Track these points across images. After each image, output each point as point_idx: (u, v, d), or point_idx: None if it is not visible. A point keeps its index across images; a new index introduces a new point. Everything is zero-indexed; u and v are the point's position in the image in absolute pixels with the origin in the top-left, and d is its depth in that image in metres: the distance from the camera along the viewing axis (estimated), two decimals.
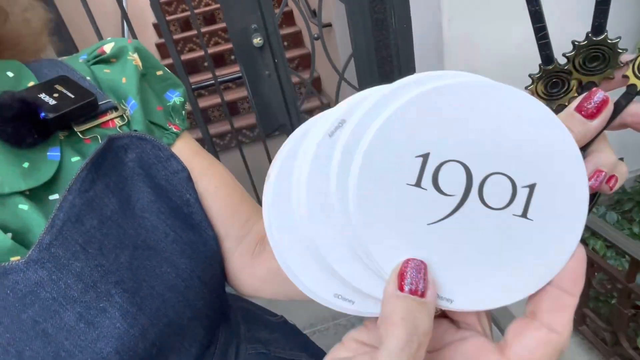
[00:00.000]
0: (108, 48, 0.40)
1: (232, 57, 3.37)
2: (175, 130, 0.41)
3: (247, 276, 0.43)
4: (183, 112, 0.43)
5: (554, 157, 0.18)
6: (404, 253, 0.18)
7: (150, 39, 3.40)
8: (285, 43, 3.38)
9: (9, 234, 0.29)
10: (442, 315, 0.22)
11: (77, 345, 0.30)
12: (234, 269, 0.43)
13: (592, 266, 1.01)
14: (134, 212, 0.35)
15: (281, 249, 0.21)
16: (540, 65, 0.22)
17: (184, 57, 3.24)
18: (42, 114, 0.32)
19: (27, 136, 0.31)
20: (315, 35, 1.32)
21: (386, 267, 0.19)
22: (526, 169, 0.18)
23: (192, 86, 1.43)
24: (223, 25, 3.46)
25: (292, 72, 1.37)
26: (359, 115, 0.18)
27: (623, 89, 0.22)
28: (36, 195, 0.32)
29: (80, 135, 0.35)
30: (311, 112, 3.10)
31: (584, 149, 0.21)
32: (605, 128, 0.21)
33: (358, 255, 0.19)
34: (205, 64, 3.35)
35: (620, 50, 0.21)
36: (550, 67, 0.22)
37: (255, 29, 1.29)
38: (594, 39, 0.21)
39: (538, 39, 0.22)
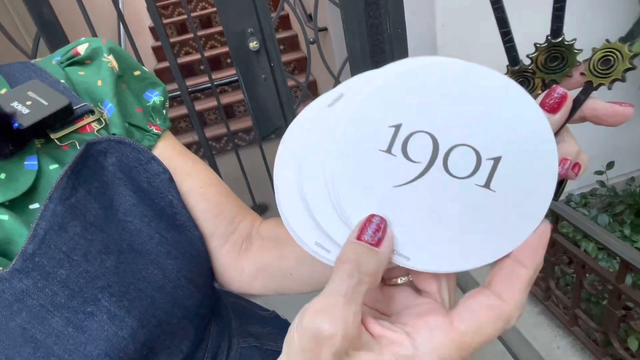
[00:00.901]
0: (82, 49, 0.39)
1: (228, 60, 3.38)
2: (156, 131, 0.41)
3: (235, 273, 0.44)
4: (164, 111, 0.43)
5: (525, 134, 0.19)
6: (370, 209, 0.21)
7: (146, 42, 3.40)
8: (282, 47, 3.40)
9: None
10: (408, 284, 0.24)
11: (67, 349, 0.30)
12: (221, 267, 0.43)
13: (584, 267, 1.02)
14: (117, 217, 0.35)
15: (280, 197, 0.23)
16: (507, 66, 0.24)
17: (180, 60, 3.25)
18: (16, 125, 0.31)
19: (2, 148, 0.31)
20: (311, 40, 1.34)
21: (353, 219, 0.21)
22: (493, 142, 0.20)
23: (189, 89, 1.44)
24: (219, 29, 3.47)
25: (288, 76, 1.38)
26: (351, 91, 0.21)
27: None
28: (16, 205, 0.31)
29: (57, 142, 0.35)
30: None
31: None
32: (567, 121, 0.23)
33: (334, 207, 0.21)
34: (202, 67, 3.35)
35: (577, 51, 0.23)
36: (517, 67, 0.24)
37: (252, 33, 1.30)
38: (553, 41, 0.23)
39: (504, 42, 0.24)
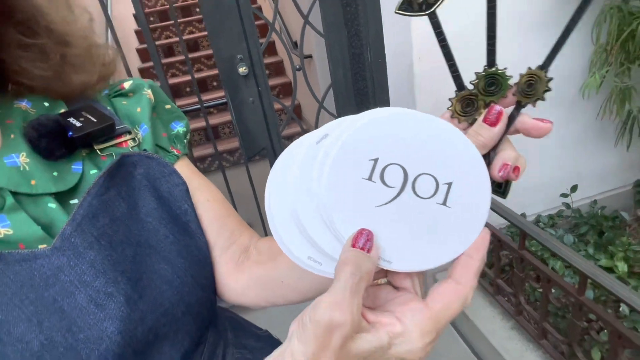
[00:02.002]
0: (127, 85, 0.48)
1: (214, 83, 3.45)
2: (176, 153, 0.48)
3: (231, 282, 0.48)
4: (185, 140, 0.51)
5: (464, 164, 0.26)
6: (359, 224, 0.26)
7: (133, 64, 3.45)
8: (268, 72, 3.50)
9: (40, 227, 0.35)
10: (388, 284, 0.30)
11: (87, 322, 0.34)
12: (219, 276, 0.48)
13: (549, 282, 1.09)
14: (139, 216, 0.41)
15: (273, 219, 0.29)
16: (455, 91, 0.30)
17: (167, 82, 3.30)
18: (70, 133, 0.38)
19: (56, 150, 0.38)
20: (297, 67, 1.42)
21: (344, 234, 0.26)
22: (445, 171, 0.26)
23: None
24: (205, 52, 3.56)
25: (275, 100, 1.45)
26: (335, 132, 0.26)
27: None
28: (61, 198, 0.38)
29: (99, 152, 0.42)
30: (291, 138, 3.18)
31: (494, 148, 0.29)
32: (505, 133, 0.29)
33: (327, 225, 0.27)
34: (188, 89, 3.41)
35: (508, 77, 0.29)
36: (463, 92, 0.30)
37: (241, 59, 1.37)
38: (489, 70, 0.29)
39: (451, 72, 0.30)
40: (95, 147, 0.41)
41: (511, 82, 0.29)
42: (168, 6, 3.97)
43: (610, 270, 1.42)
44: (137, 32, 3.74)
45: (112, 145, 0.42)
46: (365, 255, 0.26)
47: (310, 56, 2.61)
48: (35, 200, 0.36)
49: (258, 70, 1.40)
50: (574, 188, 1.62)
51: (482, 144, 0.28)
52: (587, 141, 1.61)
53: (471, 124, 0.29)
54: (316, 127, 1.55)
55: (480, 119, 0.29)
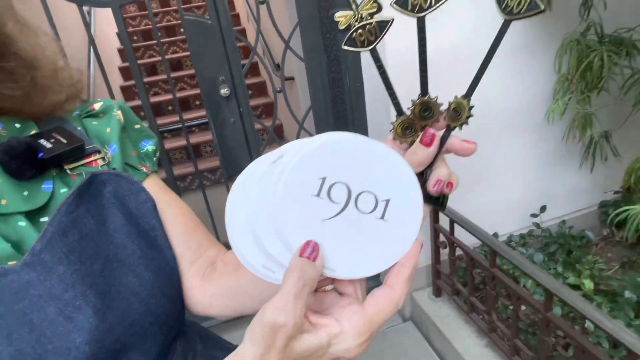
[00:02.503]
0: (97, 106, 0.50)
1: (197, 102, 3.47)
2: (145, 170, 0.50)
3: (198, 294, 0.50)
4: (154, 158, 0.53)
5: (400, 183, 0.30)
6: (307, 236, 0.29)
7: (115, 81, 3.45)
8: (250, 92, 3.55)
9: (9, 244, 0.37)
10: (334, 290, 0.33)
11: (56, 334, 0.36)
12: (187, 288, 0.50)
13: (519, 299, 1.13)
14: (108, 232, 0.43)
15: (232, 230, 0.31)
16: (396, 116, 0.34)
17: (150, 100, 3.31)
18: (40, 154, 0.40)
19: (27, 171, 0.39)
20: (278, 89, 1.46)
21: (295, 245, 0.29)
22: (384, 189, 0.30)
23: (160, 129, 1.50)
24: (188, 72, 3.59)
25: (256, 120, 1.48)
26: (290, 153, 0.30)
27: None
28: (31, 216, 0.39)
29: (69, 172, 0.43)
30: None
31: (430, 166, 0.33)
32: (439, 152, 0.33)
33: (279, 236, 0.30)
34: (170, 107, 3.42)
35: (439, 104, 0.33)
36: (402, 117, 0.34)
37: (223, 81, 1.41)
38: (423, 98, 0.33)
39: (391, 99, 0.34)
40: (66, 167, 0.43)
41: (443, 108, 0.34)
42: (151, 26, 3.98)
43: (577, 287, 1.47)
44: (120, 51, 3.75)
45: (81, 165, 0.44)
46: (311, 264, 0.29)
47: (292, 78, 2.67)
48: (6, 218, 0.38)
49: (240, 92, 1.43)
50: (543, 208, 1.69)
51: (419, 162, 0.32)
52: (554, 164, 1.69)
53: (410, 144, 0.34)
54: None
55: (417, 140, 0.33)
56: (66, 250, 0.38)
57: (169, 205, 0.50)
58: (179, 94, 3.42)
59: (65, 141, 0.42)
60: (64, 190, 0.42)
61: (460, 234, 1.35)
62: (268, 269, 0.31)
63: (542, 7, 0.29)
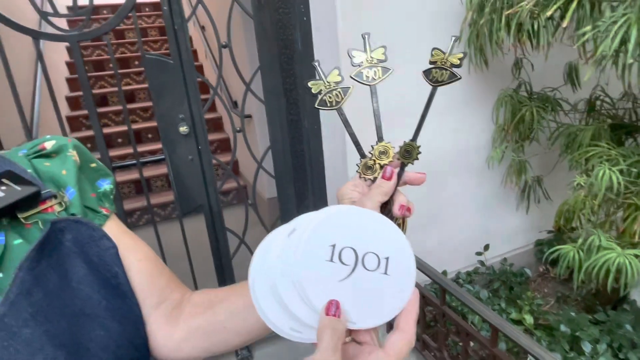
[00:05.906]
0: (49, 145, 0.46)
1: (149, 135, 3.40)
2: (105, 212, 0.48)
3: (162, 339, 0.49)
4: (111, 197, 0.52)
5: (394, 243, 0.35)
6: (327, 297, 0.33)
7: (62, 112, 3.30)
8: (207, 127, 3.53)
9: None
10: (353, 340, 0.37)
11: None
12: (151, 334, 0.49)
13: (467, 335, 1.19)
14: (71, 285, 0.40)
15: (258, 299, 0.35)
16: (360, 159, 0.42)
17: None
18: None
19: None
20: (238, 129, 1.48)
21: (317, 305, 0.33)
22: (383, 249, 0.35)
23: (112, 164, 1.46)
24: (141, 104, 3.53)
25: (214, 158, 1.48)
26: (302, 227, 0.35)
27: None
28: None
29: (23, 221, 0.40)
30: (228, 193, 3.18)
31: (392, 197, 0.41)
32: (398, 185, 0.41)
33: (302, 299, 0.33)
34: (120, 139, 3.31)
35: (392, 147, 0.41)
36: (365, 159, 0.42)
37: (182, 119, 1.41)
38: (380, 143, 0.42)
39: (353, 141, 0.42)
40: (19, 216, 0.40)
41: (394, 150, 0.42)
42: (104, 56, 3.92)
43: (519, 322, 1.56)
44: (68, 80, 3.62)
45: (37, 212, 0.41)
46: (338, 320, 0.33)
47: (249, 116, 2.71)
48: None
49: (199, 130, 1.44)
50: (486, 247, 1.80)
51: (384, 193, 0.40)
52: (495, 205, 1.83)
53: (373, 181, 0.42)
54: (254, 185, 1.60)
55: (380, 176, 0.41)
56: (32, 310, 0.36)
57: (131, 250, 0.49)
58: (132, 127, 3.33)
59: (18, 188, 0.39)
60: (17, 241, 0.39)
61: None
62: (295, 330, 0.35)
63: (460, 76, 0.39)
